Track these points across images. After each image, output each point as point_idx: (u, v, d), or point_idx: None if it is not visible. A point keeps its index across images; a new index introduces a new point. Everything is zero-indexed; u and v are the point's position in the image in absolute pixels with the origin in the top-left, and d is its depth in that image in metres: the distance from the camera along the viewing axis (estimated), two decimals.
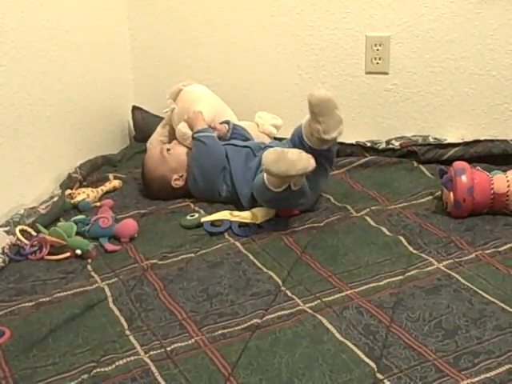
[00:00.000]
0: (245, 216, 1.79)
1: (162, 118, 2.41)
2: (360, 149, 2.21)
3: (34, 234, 1.69)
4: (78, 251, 1.63)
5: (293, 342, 1.26)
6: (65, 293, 1.47)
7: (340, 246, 1.64)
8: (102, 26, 2.25)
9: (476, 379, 1.13)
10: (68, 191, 1.97)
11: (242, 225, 1.77)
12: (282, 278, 1.50)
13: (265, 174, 1.69)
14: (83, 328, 1.33)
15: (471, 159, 2.02)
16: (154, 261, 1.58)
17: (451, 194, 1.75)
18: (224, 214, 1.80)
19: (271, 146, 1.79)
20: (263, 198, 1.78)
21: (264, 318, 1.34)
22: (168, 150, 1.99)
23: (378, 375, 1.15)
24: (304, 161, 1.62)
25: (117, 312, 1.39)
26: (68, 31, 2.05)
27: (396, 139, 2.21)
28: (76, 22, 2.09)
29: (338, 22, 2.20)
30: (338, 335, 1.27)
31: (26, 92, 1.85)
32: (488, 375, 1.14)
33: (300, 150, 1.65)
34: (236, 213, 1.80)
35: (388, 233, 1.70)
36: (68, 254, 1.64)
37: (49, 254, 1.64)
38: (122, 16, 2.39)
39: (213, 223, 1.77)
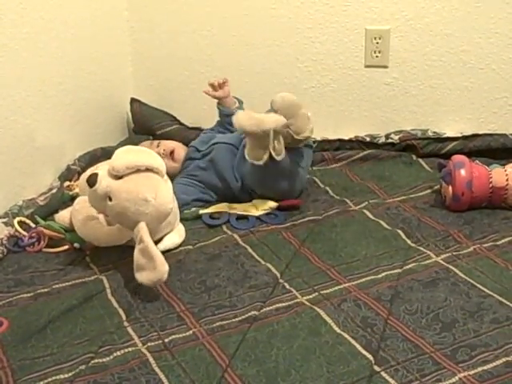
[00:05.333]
0: (243, 208, 1.79)
1: (160, 111, 2.41)
2: (359, 144, 2.21)
3: (32, 225, 1.70)
4: (76, 244, 1.63)
5: (290, 334, 1.26)
6: (63, 284, 1.48)
7: (338, 239, 1.64)
8: (101, 17, 2.25)
9: (473, 372, 1.14)
10: (67, 183, 1.97)
11: (240, 217, 1.77)
12: (280, 271, 1.50)
13: (245, 150, 1.70)
14: (81, 319, 1.34)
15: (470, 153, 2.02)
16: None
17: (450, 187, 1.75)
18: (222, 207, 1.80)
19: None
20: (253, 179, 1.80)
21: (262, 310, 1.34)
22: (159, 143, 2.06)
23: (376, 367, 1.16)
24: (274, 116, 1.66)
25: (115, 303, 1.40)
26: (67, 23, 2.04)
27: (395, 133, 2.21)
28: (75, 13, 2.08)
29: (337, 15, 2.20)
30: (335, 327, 1.28)
31: (25, 83, 1.85)
32: (485, 368, 1.15)
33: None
34: (235, 205, 1.81)
35: (386, 226, 1.70)
36: (66, 247, 1.64)
37: (47, 246, 1.65)
38: (121, 8, 2.38)
39: (211, 216, 1.77)
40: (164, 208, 1.48)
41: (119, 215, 1.47)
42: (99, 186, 1.45)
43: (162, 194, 1.48)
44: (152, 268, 1.40)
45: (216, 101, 2.13)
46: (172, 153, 2.03)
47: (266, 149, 1.66)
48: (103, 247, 1.62)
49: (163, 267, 1.40)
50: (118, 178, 1.46)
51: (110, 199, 1.46)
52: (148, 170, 1.49)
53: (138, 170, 1.48)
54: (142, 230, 1.44)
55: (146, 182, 1.47)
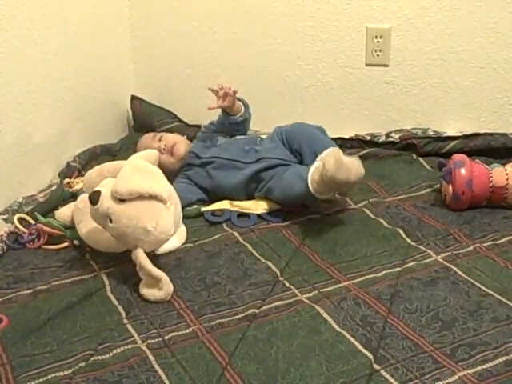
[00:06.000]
0: (245, 206, 1.79)
1: (160, 108, 2.41)
2: (359, 142, 2.21)
3: (32, 222, 1.70)
4: (76, 242, 1.63)
5: (290, 332, 1.26)
6: (63, 281, 1.48)
7: (338, 237, 1.64)
8: (101, 14, 2.24)
9: (472, 370, 1.14)
10: (66, 180, 1.97)
11: (241, 215, 1.77)
12: (280, 269, 1.50)
13: (310, 183, 1.64)
14: (81, 316, 1.34)
15: (470, 152, 2.01)
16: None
17: (450, 186, 1.75)
18: (224, 204, 1.80)
19: (270, 158, 1.81)
20: (294, 202, 1.76)
21: (262, 308, 1.34)
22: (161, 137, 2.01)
23: (375, 366, 1.16)
24: (358, 167, 1.62)
25: (115, 301, 1.40)
26: (68, 19, 2.04)
27: (395, 132, 2.21)
28: (76, 10, 2.08)
29: (338, 13, 2.19)
30: (335, 326, 1.28)
31: (26, 80, 1.85)
32: (484, 367, 1.15)
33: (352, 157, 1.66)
34: (236, 202, 1.80)
35: (386, 225, 1.70)
36: (66, 244, 1.64)
37: (46, 243, 1.65)
38: (121, 5, 2.38)
39: (213, 213, 1.77)
40: (164, 236, 1.45)
41: (118, 237, 1.46)
42: (101, 205, 1.43)
43: (162, 222, 1.44)
44: (158, 288, 1.41)
45: None
46: (173, 146, 1.97)
47: (338, 190, 1.70)
48: None
49: (168, 288, 1.40)
50: (121, 200, 1.44)
51: (111, 221, 1.44)
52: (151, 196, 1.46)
53: (141, 196, 1.45)
54: (140, 256, 1.43)
55: (148, 210, 1.43)
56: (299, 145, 1.82)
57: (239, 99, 1.97)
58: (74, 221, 1.62)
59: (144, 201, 1.44)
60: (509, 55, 2.10)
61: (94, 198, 1.44)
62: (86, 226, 1.58)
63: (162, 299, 1.39)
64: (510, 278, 1.43)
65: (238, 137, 1.98)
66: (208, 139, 1.99)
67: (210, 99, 1.95)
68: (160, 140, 2.00)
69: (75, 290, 1.43)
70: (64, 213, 1.70)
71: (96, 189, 1.45)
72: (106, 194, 1.44)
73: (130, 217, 1.42)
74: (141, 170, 1.48)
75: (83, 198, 1.60)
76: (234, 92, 1.89)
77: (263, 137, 1.97)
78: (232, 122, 1.97)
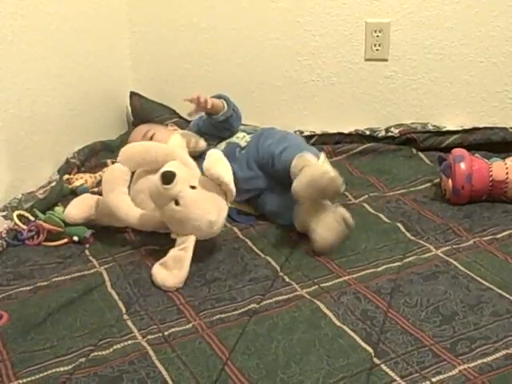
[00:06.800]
0: (246, 207, 1.78)
1: (159, 104, 2.41)
2: (359, 137, 2.21)
3: (32, 218, 1.69)
4: (76, 238, 1.63)
5: (290, 327, 1.26)
6: (63, 277, 1.48)
7: None
8: (100, 11, 2.24)
9: (473, 364, 1.14)
10: (66, 176, 1.97)
11: (240, 212, 1.77)
12: (280, 264, 1.50)
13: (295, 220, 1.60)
14: (81, 312, 1.34)
15: (470, 147, 2.01)
16: (152, 246, 1.59)
17: (450, 181, 1.75)
18: None
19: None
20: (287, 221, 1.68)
21: (262, 303, 1.34)
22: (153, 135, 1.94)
23: (375, 360, 1.16)
24: (334, 184, 1.52)
25: (115, 296, 1.40)
26: (66, 16, 2.03)
27: (395, 126, 2.21)
28: (75, 6, 2.07)
29: (337, 7, 2.19)
30: (335, 320, 1.28)
31: (25, 77, 1.84)
32: (485, 360, 1.14)
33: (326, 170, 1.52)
34: (235, 204, 1.79)
35: (386, 219, 1.70)
36: (65, 241, 1.64)
37: (46, 240, 1.64)
38: (120, 1, 2.37)
39: None
40: (217, 231, 1.50)
41: (177, 221, 1.47)
42: (173, 187, 1.43)
43: (222, 217, 1.50)
44: (173, 275, 1.42)
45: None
46: None
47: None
48: (102, 241, 1.62)
49: (179, 281, 1.42)
50: (191, 187, 1.46)
51: (177, 204, 1.45)
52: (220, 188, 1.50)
53: (211, 185, 1.48)
54: (191, 243, 1.46)
55: (216, 203, 1.48)
56: (272, 168, 1.69)
57: (222, 96, 1.87)
58: (104, 190, 1.60)
59: (213, 193, 1.49)
60: (508, 49, 2.10)
61: (168, 177, 1.44)
62: (117, 197, 1.58)
63: (167, 287, 1.41)
64: (510, 271, 1.43)
65: (219, 147, 1.84)
66: None
67: (209, 94, 1.93)
68: (151, 139, 1.92)
69: (75, 286, 1.43)
70: (73, 211, 1.66)
71: (169, 169, 1.45)
72: (181, 178, 1.45)
73: (200, 206, 1.46)
74: (223, 160, 1.53)
75: (119, 168, 1.59)
76: (205, 101, 1.80)
77: (242, 143, 1.84)
78: (216, 122, 1.86)
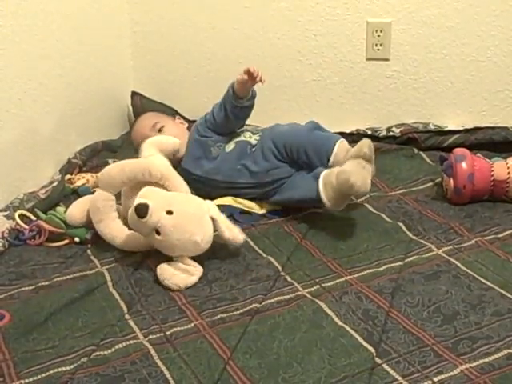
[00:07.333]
0: (249, 205, 1.78)
1: (161, 104, 2.41)
2: (360, 137, 2.20)
3: (33, 218, 1.69)
4: (77, 239, 1.63)
5: (292, 327, 1.26)
6: (65, 277, 1.48)
7: (339, 232, 1.64)
8: (101, 10, 2.24)
9: (474, 364, 1.14)
10: (68, 176, 1.97)
11: (243, 212, 1.77)
12: (282, 264, 1.50)
13: (323, 194, 1.62)
14: (83, 312, 1.34)
15: (472, 146, 2.01)
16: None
17: (451, 180, 1.74)
18: (228, 200, 1.79)
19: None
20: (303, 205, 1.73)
21: (263, 303, 1.34)
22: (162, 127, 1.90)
23: (377, 359, 1.16)
24: (356, 189, 1.55)
25: (116, 296, 1.40)
26: (67, 15, 2.03)
27: (396, 126, 2.21)
28: (76, 6, 2.08)
29: (339, 7, 2.19)
30: (337, 320, 1.28)
31: (26, 77, 1.85)
32: (486, 360, 1.15)
33: (354, 169, 1.56)
34: (240, 200, 1.80)
35: (388, 219, 1.70)
36: (66, 242, 1.64)
37: (48, 240, 1.64)
38: (121, 1, 2.37)
39: None
40: (206, 246, 1.49)
41: (164, 248, 1.48)
42: (149, 219, 1.42)
43: (208, 234, 1.48)
44: (183, 278, 1.43)
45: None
46: None
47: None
48: (104, 241, 1.61)
49: (191, 282, 1.44)
50: (168, 212, 1.45)
51: (158, 233, 1.44)
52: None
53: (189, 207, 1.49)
54: (187, 263, 1.46)
55: (197, 222, 1.47)
56: (306, 155, 1.72)
57: None
58: (93, 220, 1.59)
59: (192, 212, 1.47)
60: (510, 48, 2.10)
61: (142, 211, 1.42)
62: (108, 226, 1.57)
63: (175, 284, 1.42)
64: None
65: (227, 149, 1.83)
66: (201, 147, 1.84)
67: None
68: (160, 131, 1.89)
69: (77, 286, 1.43)
70: (74, 213, 1.65)
71: (142, 201, 1.44)
72: (155, 207, 1.43)
73: (181, 230, 1.44)
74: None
75: (101, 197, 1.58)
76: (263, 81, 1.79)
77: (253, 141, 1.83)
78: (238, 106, 1.80)
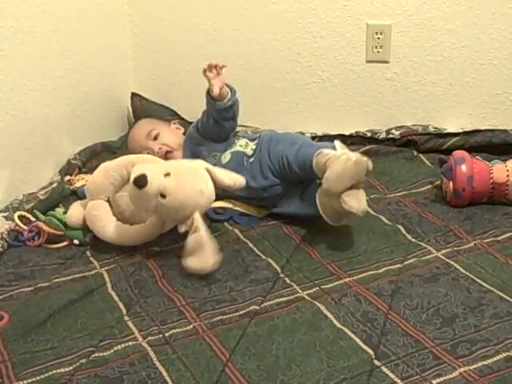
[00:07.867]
0: (247, 208, 1.78)
1: (161, 105, 2.41)
2: (360, 139, 2.21)
3: (32, 219, 1.69)
4: (76, 241, 1.63)
5: (291, 329, 1.26)
6: (64, 278, 1.48)
7: (339, 234, 1.64)
8: (101, 11, 2.24)
9: (473, 367, 1.14)
10: (67, 177, 1.97)
11: (242, 214, 1.77)
12: (281, 266, 1.50)
13: (323, 214, 1.59)
14: (82, 313, 1.34)
15: (471, 149, 2.01)
16: (153, 247, 1.59)
17: (451, 183, 1.75)
18: (227, 203, 1.79)
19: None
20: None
21: (262, 305, 1.34)
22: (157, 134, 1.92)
23: (376, 362, 1.16)
24: (360, 167, 1.51)
25: (115, 297, 1.40)
26: (68, 17, 2.03)
27: (396, 128, 2.21)
28: (76, 7, 2.08)
29: (339, 9, 2.19)
30: (336, 322, 1.28)
31: (26, 78, 1.85)
32: (485, 363, 1.15)
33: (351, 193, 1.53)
34: (239, 203, 1.79)
35: (387, 221, 1.70)
36: (65, 243, 1.64)
37: (47, 241, 1.64)
38: (122, 2, 2.37)
39: (215, 211, 1.76)
40: (212, 195, 1.55)
41: (173, 210, 1.49)
42: (151, 186, 1.45)
43: (209, 183, 1.53)
44: (201, 256, 1.44)
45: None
46: (168, 153, 1.91)
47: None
48: (103, 242, 1.61)
49: (212, 258, 1.45)
50: (165, 175, 1.49)
51: (163, 197, 1.47)
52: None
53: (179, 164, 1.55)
54: (198, 219, 1.48)
55: (195, 176, 1.52)
56: (296, 174, 1.68)
57: (226, 84, 1.81)
58: (91, 227, 1.61)
59: (187, 169, 1.54)
60: (509, 51, 2.10)
61: (142, 181, 1.46)
62: (110, 227, 1.59)
63: (202, 269, 1.44)
64: (511, 274, 1.43)
65: (223, 160, 1.80)
66: (194, 156, 1.82)
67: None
68: (155, 139, 1.92)
69: (76, 287, 1.43)
70: (74, 215, 1.65)
71: (138, 173, 1.47)
72: (152, 174, 1.47)
73: (184, 185, 1.49)
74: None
75: (95, 204, 1.60)
76: (222, 66, 1.78)
77: (248, 151, 1.79)
78: (221, 108, 1.79)
